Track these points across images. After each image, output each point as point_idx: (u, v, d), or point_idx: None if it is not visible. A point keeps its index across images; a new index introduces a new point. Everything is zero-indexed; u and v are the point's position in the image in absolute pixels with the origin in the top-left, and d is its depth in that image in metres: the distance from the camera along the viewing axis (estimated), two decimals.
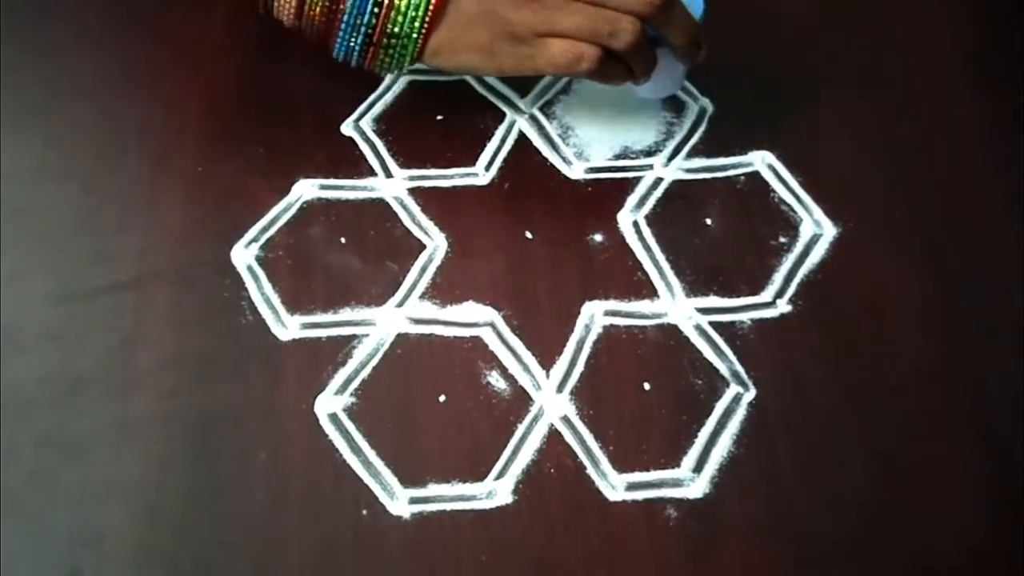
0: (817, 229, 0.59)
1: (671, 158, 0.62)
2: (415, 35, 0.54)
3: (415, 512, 0.51)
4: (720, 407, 0.54)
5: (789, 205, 0.60)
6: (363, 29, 0.54)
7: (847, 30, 0.67)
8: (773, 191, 0.61)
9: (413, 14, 0.54)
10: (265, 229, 0.59)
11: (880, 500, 0.52)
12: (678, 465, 0.52)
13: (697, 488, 0.52)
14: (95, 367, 0.54)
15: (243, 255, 0.58)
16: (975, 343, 0.56)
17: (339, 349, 0.55)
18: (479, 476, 0.52)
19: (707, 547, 0.51)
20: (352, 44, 0.55)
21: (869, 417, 0.54)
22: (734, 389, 0.54)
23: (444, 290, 0.57)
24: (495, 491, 0.52)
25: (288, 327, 0.56)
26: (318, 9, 0.54)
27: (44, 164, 0.61)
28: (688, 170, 0.62)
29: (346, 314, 0.56)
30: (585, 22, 0.53)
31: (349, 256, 0.58)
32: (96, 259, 0.57)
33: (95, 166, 0.60)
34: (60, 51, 0.65)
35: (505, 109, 0.63)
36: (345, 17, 0.54)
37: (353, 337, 0.56)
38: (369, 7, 0.54)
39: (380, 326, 0.56)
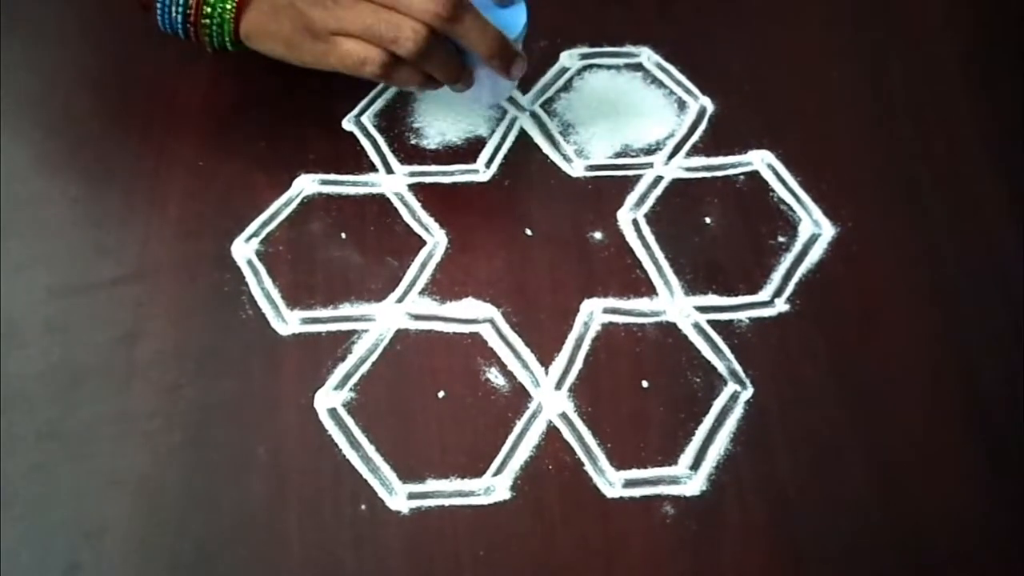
0: (816, 229, 0.60)
1: (671, 157, 0.62)
2: (227, 16, 0.56)
3: (413, 507, 0.51)
4: (718, 405, 0.54)
5: (788, 205, 0.61)
6: (181, 10, 0.56)
7: (848, 29, 0.68)
8: (772, 190, 0.61)
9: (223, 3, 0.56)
10: (266, 224, 0.59)
11: (877, 497, 0.52)
12: (675, 463, 0.53)
13: (694, 485, 0.52)
14: (96, 360, 0.54)
15: (243, 249, 0.58)
16: (973, 342, 0.56)
17: (339, 344, 0.55)
18: (477, 472, 0.52)
19: (704, 544, 0.51)
20: (175, 18, 0.57)
21: (866, 416, 0.54)
22: (732, 387, 0.55)
23: (444, 286, 0.57)
24: (493, 487, 0.52)
25: (288, 322, 0.56)
26: None
27: (44, 157, 0.61)
28: (688, 169, 0.62)
29: (346, 309, 0.57)
30: (370, 25, 0.53)
31: (349, 251, 0.58)
32: (97, 252, 0.58)
33: (96, 159, 0.61)
34: (61, 42, 0.65)
35: (506, 106, 0.63)
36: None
37: (353, 332, 0.56)
38: None
39: (380, 322, 0.56)
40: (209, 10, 0.56)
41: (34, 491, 0.51)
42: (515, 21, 0.57)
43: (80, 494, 0.51)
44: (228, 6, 0.56)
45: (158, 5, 0.57)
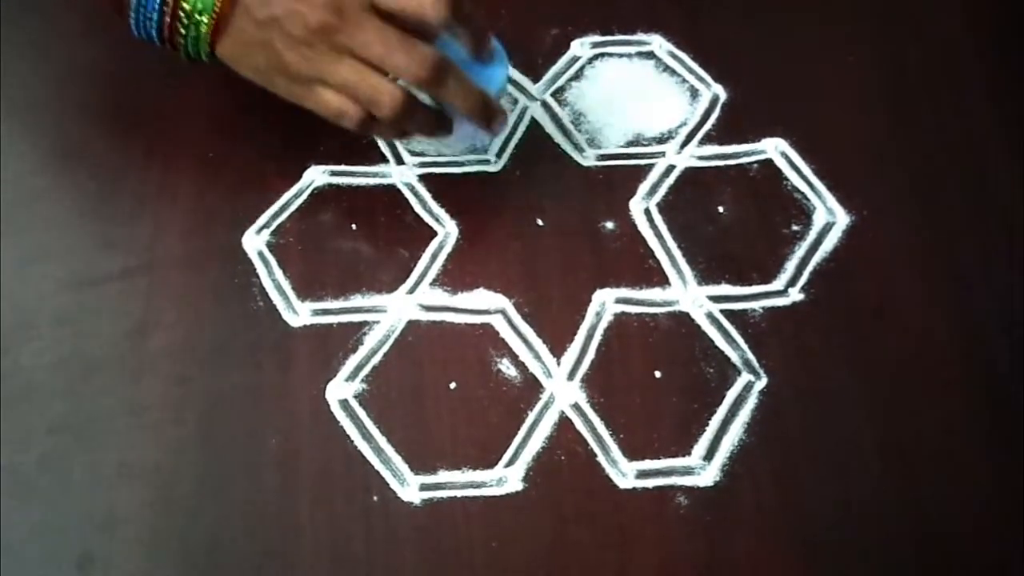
0: (830, 217, 0.59)
1: (683, 145, 0.62)
2: (203, 31, 0.53)
3: (426, 498, 0.51)
4: (731, 395, 0.54)
5: (802, 193, 0.60)
6: (155, 21, 0.54)
7: (864, 15, 0.67)
8: (786, 179, 0.61)
9: (198, 18, 0.53)
10: (276, 215, 0.59)
11: (892, 488, 0.52)
12: (689, 453, 0.52)
13: (708, 476, 0.52)
14: (107, 352, 0.54)
15: (254, 241, 0.58)
16: (990, 330, 0.56)
17: (350, 335, 0.55)
18: (490, 463, 0.52)
19: (717, 535, 0.51)
20: (149, 26, 0.54)
21: (881, 405, 0.54)
22: (745, 377, 0.54)
23: (455, 277, 0.57)
24: (506, 478, 0.52)
25: (299, 313, 0.56)
26: None
27: (54, 150, 0.61)
28: (700, 157, 0.61)
29: (357, 300, 0.56)
30: (349, 83, 0.52)
31: (360, 243, 0.58)
32: (107, 245, 0.57)
33: (106, 152, 0.60)
34: (70, 36, 0.65)
35: (517, 95, 0.63)
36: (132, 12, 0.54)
37: (364, 324, 0.56)
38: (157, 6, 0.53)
39: (391, 313, 0.56)
40: (183, 24, 0.53)
41: (46, 483, 0.51)
42: (496, 76, 0.56)
43: (92, 486, 0.51)
44: (204, 20, 0.53)
45: (131, 13, 0.54)
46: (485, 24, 0.55)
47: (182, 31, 0.53)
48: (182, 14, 0.53)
